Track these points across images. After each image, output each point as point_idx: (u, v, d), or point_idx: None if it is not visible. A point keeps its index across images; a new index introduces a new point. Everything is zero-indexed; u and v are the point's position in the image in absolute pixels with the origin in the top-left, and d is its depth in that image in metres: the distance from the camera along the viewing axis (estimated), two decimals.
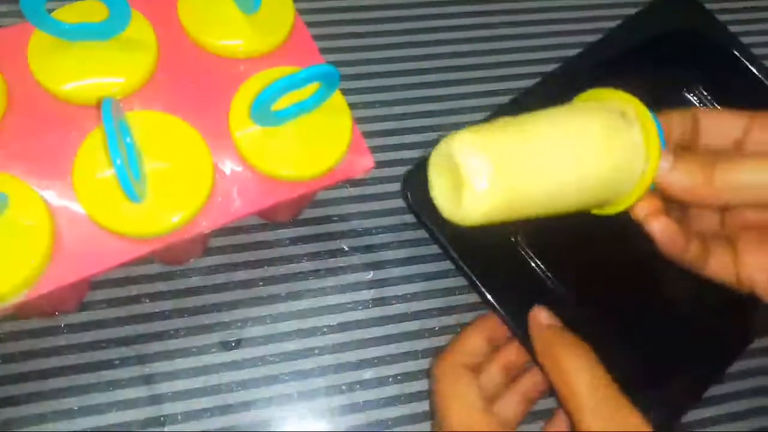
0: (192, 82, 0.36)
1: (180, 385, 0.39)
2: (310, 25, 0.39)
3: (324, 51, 0.38)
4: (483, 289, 0.39)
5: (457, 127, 0.30)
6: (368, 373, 0.41)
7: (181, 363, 0.39)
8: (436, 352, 0.41)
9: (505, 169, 0.28)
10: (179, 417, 0.38)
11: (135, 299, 0.40)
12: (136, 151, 0.32)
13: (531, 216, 0.30)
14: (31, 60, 0.34)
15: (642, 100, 0.31)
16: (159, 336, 0.40)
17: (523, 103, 0.43)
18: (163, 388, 0.39)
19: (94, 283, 0.40)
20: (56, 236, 0.32)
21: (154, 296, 0.40)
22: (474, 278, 0.39)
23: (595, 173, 0.29)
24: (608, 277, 0.43)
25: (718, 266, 0.32)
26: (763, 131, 0.31)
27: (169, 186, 0.33)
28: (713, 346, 0.41)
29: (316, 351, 0.41)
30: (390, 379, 0.41)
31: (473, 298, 0.43)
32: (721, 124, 0.32)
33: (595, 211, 0.34)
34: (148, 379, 0.39)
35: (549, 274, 0.44)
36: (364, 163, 0.37)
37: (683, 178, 0.29)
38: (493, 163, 0.28)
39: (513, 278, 0.42)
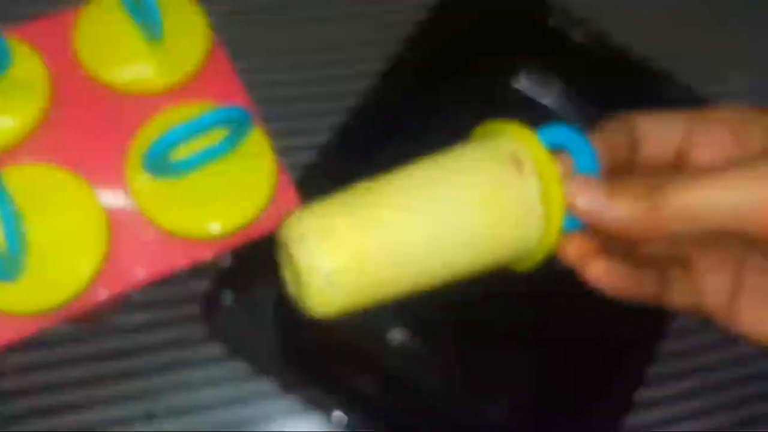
0: (89, 124, 0.31)
1: None
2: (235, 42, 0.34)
3: (254, 70, 0.33)
4: None
5: None
6: None
7: None
8: None
9: (349, 264, 0.23)
10: None
11: (46, 366, 0.36)
12: (14, 220, 0.27)
13: (404, 295, 0.25)
14: None
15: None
16: (76, 407, 0.35)
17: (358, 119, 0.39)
18: None
19: None
20: None
21: (69, 362, 0.36)
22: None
23: (480, 238, 0.25)
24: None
25: (679, 298, 0.27)
26: (704, 134, 0.26)
27: (56, 253, 0.28)
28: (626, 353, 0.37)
29: (260, 421, 0.36)
30: None
31: None
32: (660, 131, 0.27)
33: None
34: None
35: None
36: (290, 213, 0.32)
37: (623, 214, 0.24)
38: (333, 260, 0.23)
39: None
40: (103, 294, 0.29)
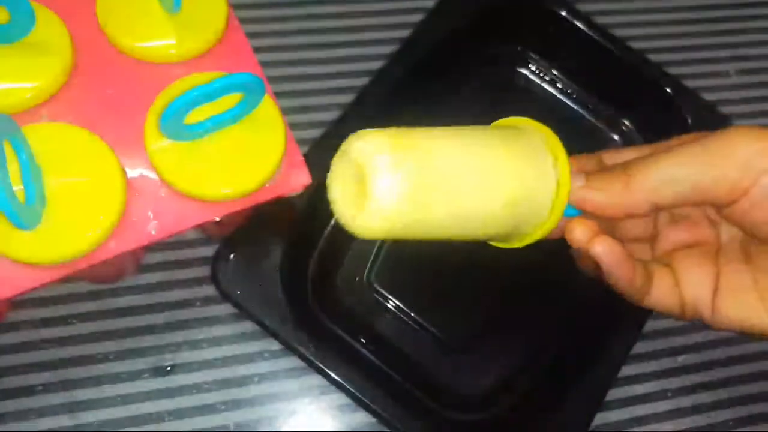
0: (109, 89, 0.33)
1: (106, 413, 0.36)
2: (249, 21, 0.35)
3: (265, 50, 0.35)
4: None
5: None
6: (311, 404, 0.38)
7: (109, 390, 0.37)
8: None
9: (417, 186, 0.25)
10: None
11: (61, 320, 0.37)
12: (33, 171, 0.29)
13: (429, 238, 0.27)
14: None
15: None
16: (85, 360, 0.37)
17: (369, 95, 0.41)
18: (89, 416, 0.36)
19: (15, 303, 0.37)
20: None
21: (82, 317, 0.37)
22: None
23: (506, 198, 0.27)
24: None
25: (661, 293, 0.29)
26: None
27: (75, 207, 0.30)
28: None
29: (256, 379, 0.38)
30: (335, 409, 0.38)
31: None
32: (623, 160, 0.30)
33: (498, 244, 0.31)
34: (72, 407, 0.36)
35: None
36: (300, 179, 0.33)
37: (599, 193, 0.28)
38: (405, 178, 0.24)
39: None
40: (116, 248, 0.31)
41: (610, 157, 0.31)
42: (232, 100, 0.30)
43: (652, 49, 0.47)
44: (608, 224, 0.31)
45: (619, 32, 0.45)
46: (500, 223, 0.27)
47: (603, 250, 0.27)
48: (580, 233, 0.28)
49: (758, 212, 0.27)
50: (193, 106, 0.28)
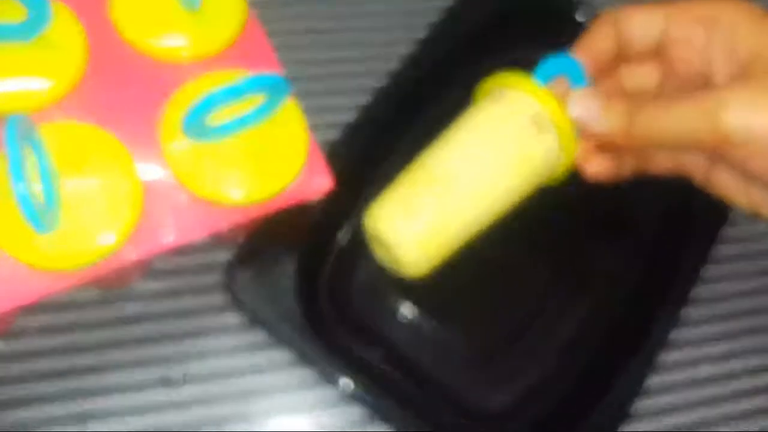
0: (125, 89, 0.32)
1: (116, 424, 0.35)
2: (268, 21, 0.34)
3: (284, 48, 0.34)
4: None
5: None
6: (324, 417, 0.37)
7: (119, 400, 0.35)
8: None
9: (428, 232, 0.30)
10: None
11: (68, 328, 0.36)
12: (50, 173, 0.28)
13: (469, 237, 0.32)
14: None
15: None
16: (95, 370, 0.36)
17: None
18: (98, 426, 0.35)
19: (23, 311, 0.35)
20: None
21: (90, 326, 0.36)
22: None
23: (517, 187, 0.31)
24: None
25: (663, 162, 0.33)
26: (678, 29, 0.32)
27: (90, 211, 0.29)
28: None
29: (269, 390, 0.37)
30: (354, 423, 0.37)
31: None
32: (640, 28, 0.32)
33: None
34: (81, 418, 0.35)
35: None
36: (321, 184, 0.32)
37: (605, 128, 0.31)
38: (413, 234, 0.30)
39: None
40: (132, 255, 0.29)
41: (625, 22, 0.32)
42: (251, 101, 0.29)
43: None
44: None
45: None
46: (519, 191, 0.32)
47: (594, 170, 0.33)
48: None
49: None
50: (219, 106, 0.27)
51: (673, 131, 0.29)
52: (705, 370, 0.41)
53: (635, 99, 0.31)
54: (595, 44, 0.33)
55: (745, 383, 0.42)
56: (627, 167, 0.34)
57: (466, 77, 0.44)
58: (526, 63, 0.46)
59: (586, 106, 0.31)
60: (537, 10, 0.44)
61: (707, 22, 0.31)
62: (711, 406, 0.41)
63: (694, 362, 0.41)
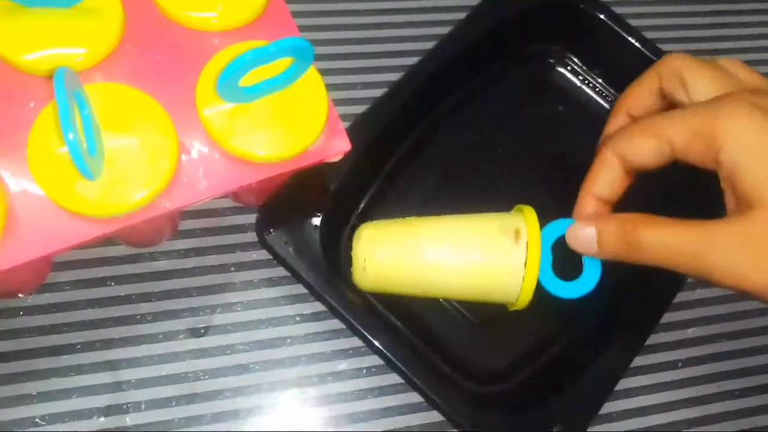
0: (159, 54, 0.34)
1: (144, 372, 0.37)
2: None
3: (302, 29, 0.36)
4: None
5: None
6: (342, 365, 0.39)
7: (146, 349, 0.38)
8: None
9: (390, 272, 0.36)
10: (143, 405, 0.37)
11: (100, 282, 0.38)
12: (93, 126, 0.30)
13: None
14: None
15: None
16: (124, 320, 0.38)
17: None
18: (127, 374, 0.37)
19: (56, 264, 0.38)
20: (10, 213, 0.30)
21: (120, 279, 0.39)
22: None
23: (469, 287, 0.36)
24: None
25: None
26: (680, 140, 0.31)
27: (130, 164, 0.31)
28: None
29: (288, 340, 0.39)
30: (364, 371, 0.39)
31: None
32: (641, 155, 0.33)
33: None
34: (111, 365, 0.37)
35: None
36: (340, 146, 0.35)
37: (607, 254, 0.32)
38: (380, 264, 0.35)
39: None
40: (169, 205, 0.32)
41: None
42: (278, 67, 0.32)
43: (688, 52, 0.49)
44: None
45: (651, 35, 0.46)
46: (464, 292, 0.36)
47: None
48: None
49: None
50: (250, 68, 0.30)
51: (663, 257, 0.30)
52: (684, 372, 0.43)
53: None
54: (600, 187, 0.34)
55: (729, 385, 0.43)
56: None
57: (491, 66, 0.47)
58: (543, 57, 0.49)
59: (584, 244, 0.33)
60: (561, 7, 0.46)
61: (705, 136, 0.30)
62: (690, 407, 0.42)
63: (672, 365, 0.43)
